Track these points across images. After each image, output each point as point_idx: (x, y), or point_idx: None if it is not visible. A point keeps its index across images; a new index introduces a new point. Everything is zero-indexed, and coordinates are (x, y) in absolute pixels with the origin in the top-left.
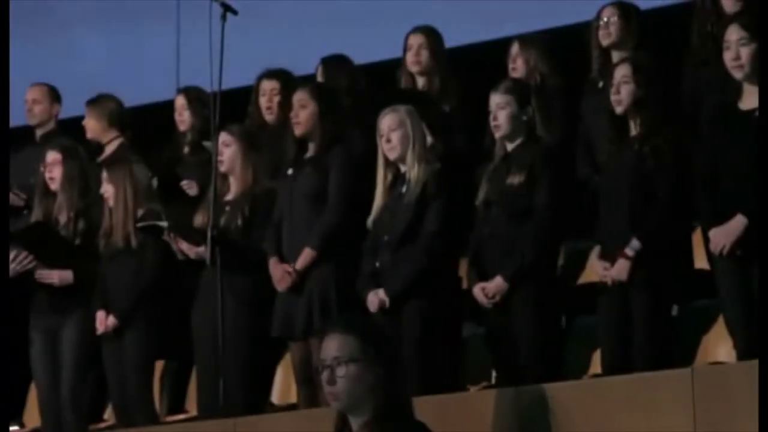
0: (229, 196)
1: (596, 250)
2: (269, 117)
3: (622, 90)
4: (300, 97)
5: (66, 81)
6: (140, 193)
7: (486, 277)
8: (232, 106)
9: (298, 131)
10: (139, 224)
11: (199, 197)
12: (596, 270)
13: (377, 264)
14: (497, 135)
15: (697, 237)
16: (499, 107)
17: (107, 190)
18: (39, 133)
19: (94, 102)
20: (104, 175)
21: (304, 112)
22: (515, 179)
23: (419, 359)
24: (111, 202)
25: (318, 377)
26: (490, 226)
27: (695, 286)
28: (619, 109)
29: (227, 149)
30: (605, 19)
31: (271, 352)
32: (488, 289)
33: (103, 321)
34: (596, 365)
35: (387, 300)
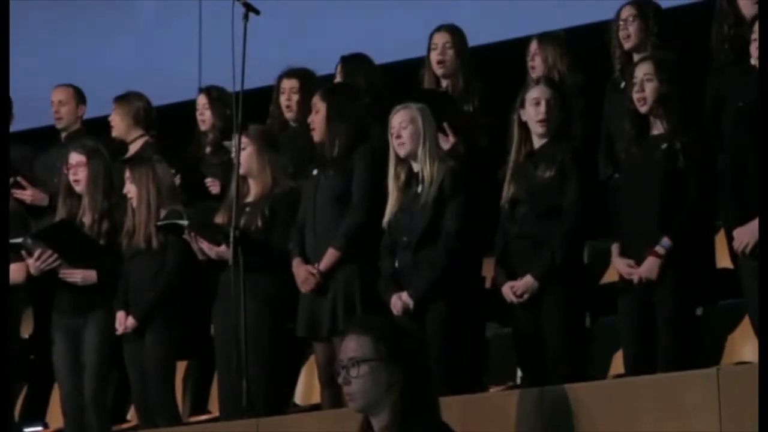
0: (249, 197)
1: (615, 248)
2: (289, 115)
3: (645, 87)
4: (314, 101)
5: (89, 80)
6: (163, 193)
7: (514, 276)
8: (254, 106)
9: (316, 138)
10: (159, 223)
11: (221, 197)
12: (620, 268)
13: (396, 265)
14: (542, 130)
15: (720, 237)
16: (549, 102)
17: (130, 190)
18: (64, 133)
19: (122, 99)
20: (127, 174)
21: (318, 116)
22: (545, 173)
23: (443, 360)
24: (134, 202)
25: (338, 377)
26: (518, 224)
27: (720, 286)
28: (643, 109)
29: (243, 152)
30: (624, 19)
31: (294, 352)
32: (517, 288)
33: (123, 321)
34: (620, 365)
35: (411, 303)
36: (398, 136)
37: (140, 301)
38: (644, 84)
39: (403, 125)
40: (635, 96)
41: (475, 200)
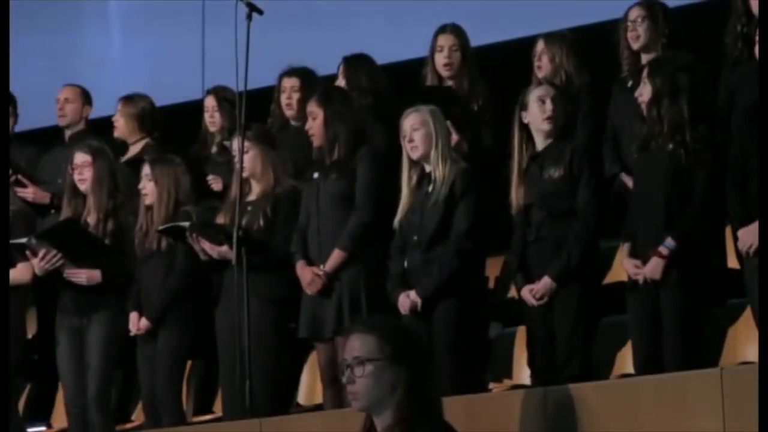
0: (251, 197)
1: (626, 249)
2: (289, 113)
3: (644, 90)
4: (310, 108)
5: (92, 80)
6: (180, 197)
7: (532, 279)
8: (257, 106)
9: (316, 143)
10: (161, 228)
11: (223, 195)
12: (627, 268)
13: (406, 264)
14: (549, 127)
15: (727, 236)
16: (554, 100)
17: (147, 187)
18: (68, 133)
19: (128, 100)
20: (146, 171)
21: (316, 122)
22: (554, 174)
23: (451, 360)
24: (149, 200)
25: (341, 376)
26: (535, 230)
27: (725, 285)
28: (645, 109)
29: (246, 156)
30: (633, 20)
31: (296, 352)
32: (537, 290)
33: (136, 322)
34: (623, 365)
35: (419, 302)
36: (410, 140)
37: (153, 302)
38: (643, 86)
39: (414, 128)
40: (639, 99)
41: (483, 199)
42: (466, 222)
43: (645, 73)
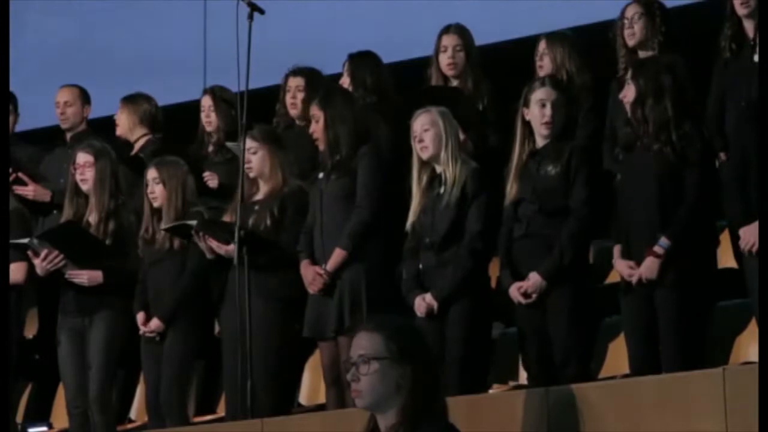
0: (259, 197)
1: (617, 250)
2: (293, 113)
3: (627, 90)
4: (312, 112)
5: (93, 79)
6: (189, 197)
7: (520, 276)
8: (259, 106)
9: (321, 146)
10: (165, 227)
11: (224, 194)
12: (621, 270)
13: (420, 266)
14: (547, 132)
15: (723, 237)
16: (554, 104)
17: (156, 189)
18: (69, 134)
19: (129, 100)
20: (153, 174)
21: (318, 125)
22: (551, 171)
23: (464, 360)
24: (158, 202)
25: (345, 375)
26: (524, 225)
27: (728, 286)
28: (629, 110)
29: (254, 156)
30: (629, 18)
31: (299, 352)
32: (525, 287)
33: (143, 322)
34: (625, 365)
35: (435, 304)
36: (420, 140)
37: (165, 303)
38: (627, 88)
39: (425, 128)
40: (624, 100)
41: (492, 199)
42: (479, 223)
43: (629, 74)
